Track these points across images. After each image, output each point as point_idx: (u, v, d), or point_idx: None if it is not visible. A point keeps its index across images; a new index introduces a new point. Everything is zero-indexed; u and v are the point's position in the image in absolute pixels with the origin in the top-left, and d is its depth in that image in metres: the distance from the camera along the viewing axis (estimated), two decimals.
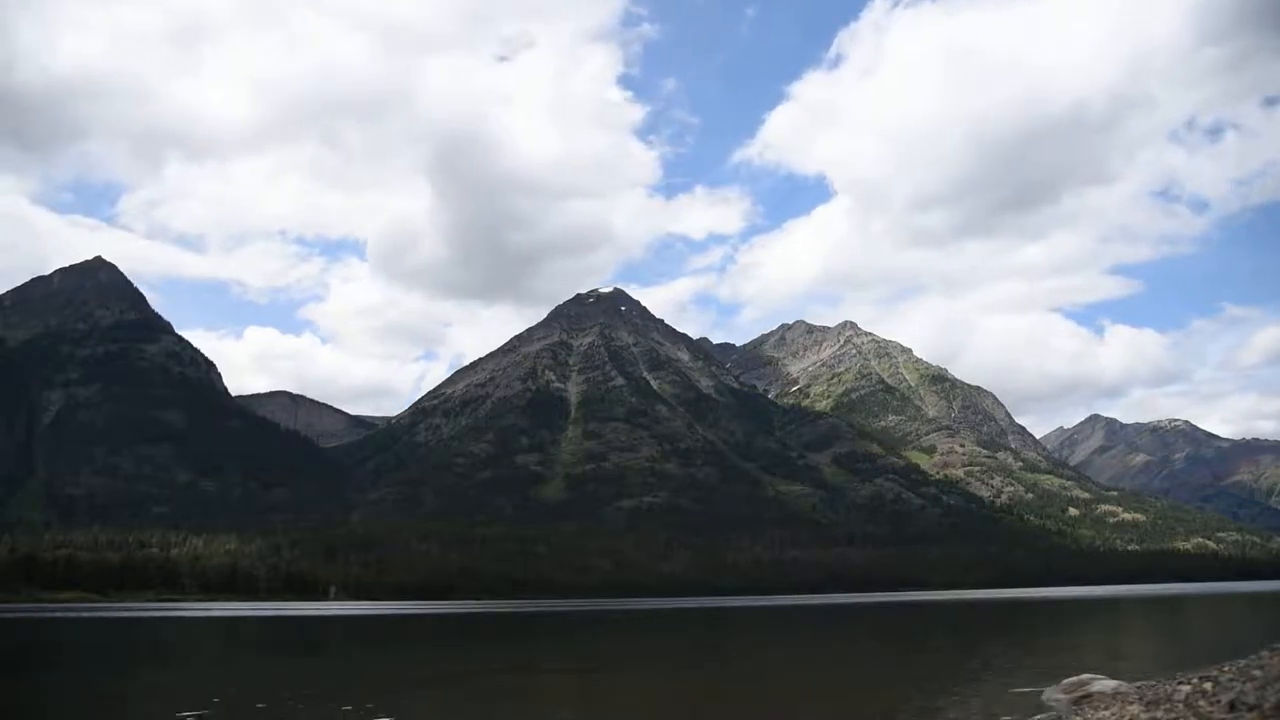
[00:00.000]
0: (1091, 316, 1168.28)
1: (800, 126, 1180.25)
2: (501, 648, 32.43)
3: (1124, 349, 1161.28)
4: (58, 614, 77.15)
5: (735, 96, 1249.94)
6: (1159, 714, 7.54)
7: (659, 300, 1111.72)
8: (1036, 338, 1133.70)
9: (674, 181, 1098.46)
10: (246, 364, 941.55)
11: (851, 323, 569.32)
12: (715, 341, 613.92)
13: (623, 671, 21.66)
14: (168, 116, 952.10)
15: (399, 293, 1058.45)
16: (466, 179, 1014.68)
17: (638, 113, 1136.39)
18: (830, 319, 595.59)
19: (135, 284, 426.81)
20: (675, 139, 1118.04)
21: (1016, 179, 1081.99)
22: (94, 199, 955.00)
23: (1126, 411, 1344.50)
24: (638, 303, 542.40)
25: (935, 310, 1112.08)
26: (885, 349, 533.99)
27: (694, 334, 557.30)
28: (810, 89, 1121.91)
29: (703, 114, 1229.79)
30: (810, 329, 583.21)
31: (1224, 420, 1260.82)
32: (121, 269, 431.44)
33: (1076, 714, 9.30)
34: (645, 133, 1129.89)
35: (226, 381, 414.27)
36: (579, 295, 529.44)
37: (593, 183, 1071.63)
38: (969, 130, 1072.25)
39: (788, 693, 14.28)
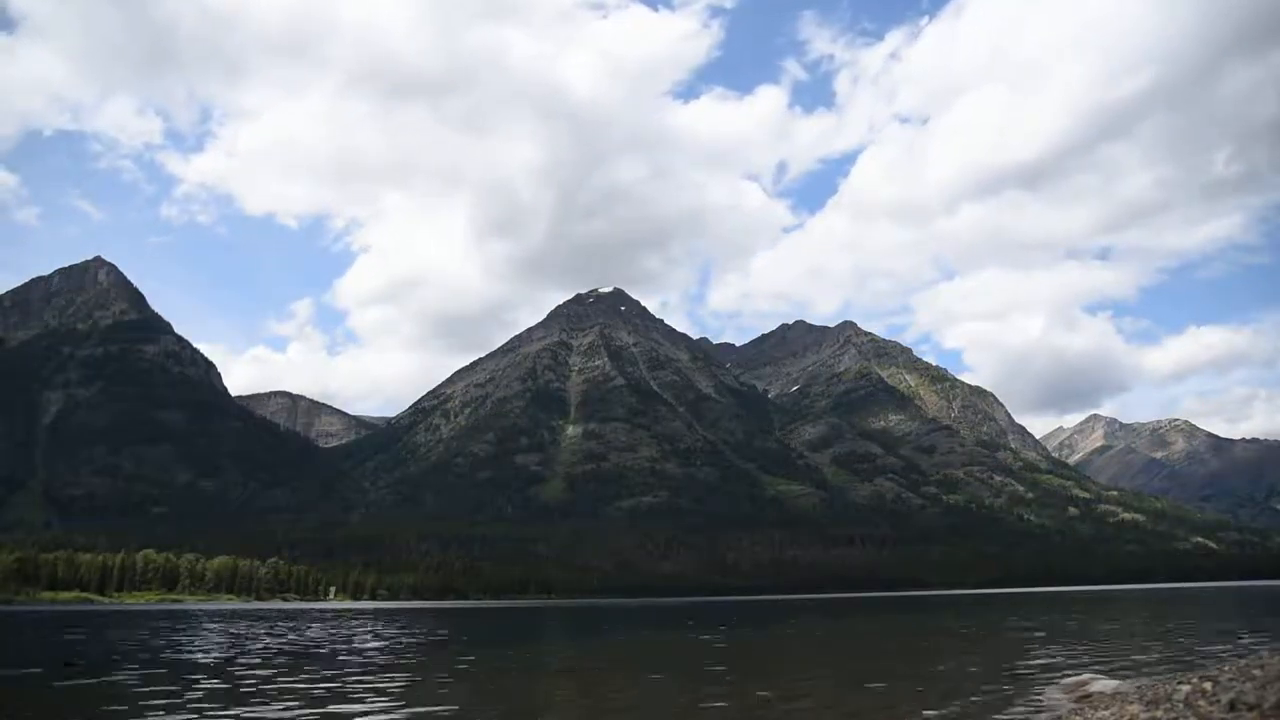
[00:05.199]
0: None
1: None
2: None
3: None
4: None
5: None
6: (1159, 714, 7.53)
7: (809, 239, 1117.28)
8: None
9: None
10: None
11: (851, 323, 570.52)
12: (716, 341, 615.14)
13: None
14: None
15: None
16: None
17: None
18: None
19: (134, 283, 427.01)
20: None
21: None
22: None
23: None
24: (637, 303, 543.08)
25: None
26: (885, 349, 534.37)
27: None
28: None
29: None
30: (810, 329, 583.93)
31: None
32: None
33: (1076, 714, 9.29)
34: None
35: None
36: (579, 295, 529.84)
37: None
38: None
39: (783, 691, 14.28)
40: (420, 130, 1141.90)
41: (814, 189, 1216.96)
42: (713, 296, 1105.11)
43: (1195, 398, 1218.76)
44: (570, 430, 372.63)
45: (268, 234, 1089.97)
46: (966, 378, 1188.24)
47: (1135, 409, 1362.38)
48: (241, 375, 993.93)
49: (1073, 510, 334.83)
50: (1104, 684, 11.72)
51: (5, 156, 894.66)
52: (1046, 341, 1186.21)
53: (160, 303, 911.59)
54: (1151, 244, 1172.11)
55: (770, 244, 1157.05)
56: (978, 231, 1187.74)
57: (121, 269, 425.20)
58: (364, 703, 13.22)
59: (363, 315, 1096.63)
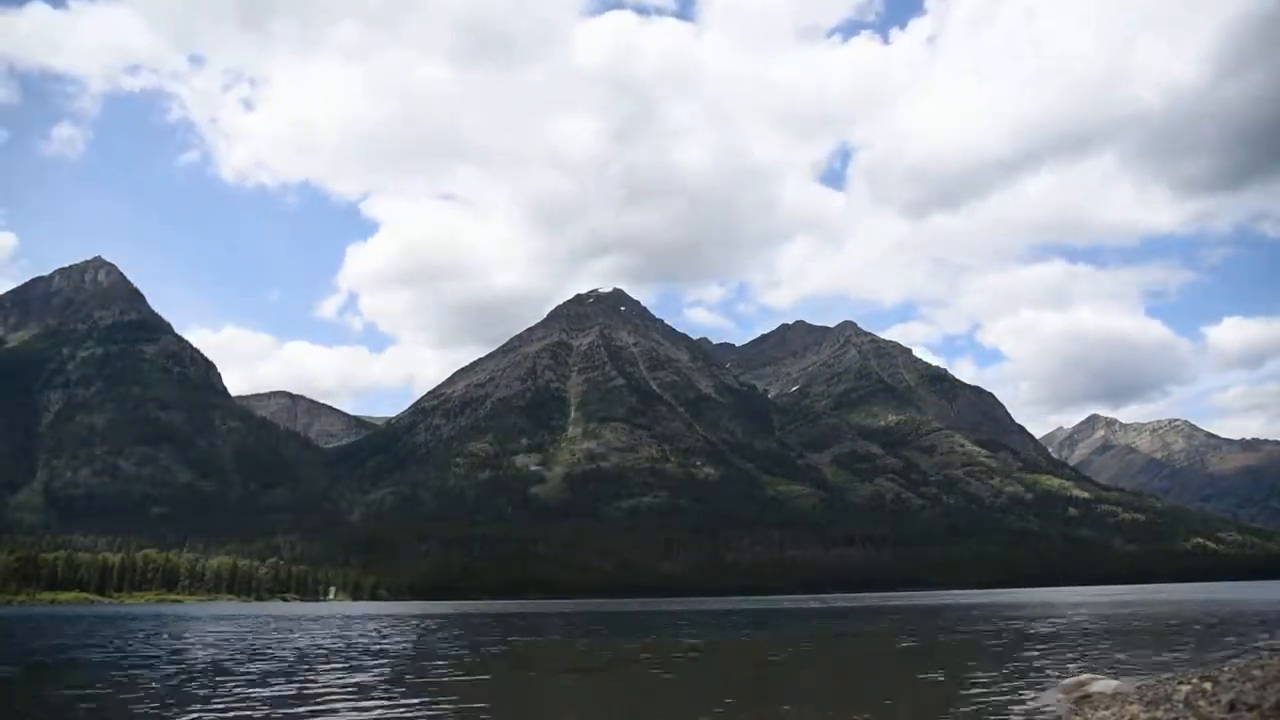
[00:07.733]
0: None
1: None
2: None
3: None
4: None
5: None
6: (1159, 714, 7.51)
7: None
8: None
9: None
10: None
11: (851, 323, 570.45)
12: (715, 341, 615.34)
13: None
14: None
15: None
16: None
17: None
18: None
19: (133, 282, 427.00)
20: None
21: None
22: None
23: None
24: (637, 303, 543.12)
25: None
26: (885, 349, 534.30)
27: None
28: None
29: None
30: (810, 329, 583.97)
31: None
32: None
33: (1076, 714, 9.28)
34: None
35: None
36: (579, 295, 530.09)
37: None
38: None
39: (778, 692, 14.26)
40: (494, 100, 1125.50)
41: (881, 169, 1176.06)
42: (771, 290, 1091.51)
43: (1246, 388, 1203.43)
44: (570, 430, 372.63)
45: (321, 207, 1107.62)
46: (1008, 369, 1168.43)
47: (1184, 405, 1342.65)
48: (282, 360, 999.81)
49: (1073, 510, 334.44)
50: (1104, 684, 11.69)
51: (78, 115, 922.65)
52: (1100, 332, 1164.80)
53: (175, 288, 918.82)
54: (1217, 226, 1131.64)
55: (837, 231, 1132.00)
56: (1040, 211, 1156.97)
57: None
58: None
59: (392, 302, 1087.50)
